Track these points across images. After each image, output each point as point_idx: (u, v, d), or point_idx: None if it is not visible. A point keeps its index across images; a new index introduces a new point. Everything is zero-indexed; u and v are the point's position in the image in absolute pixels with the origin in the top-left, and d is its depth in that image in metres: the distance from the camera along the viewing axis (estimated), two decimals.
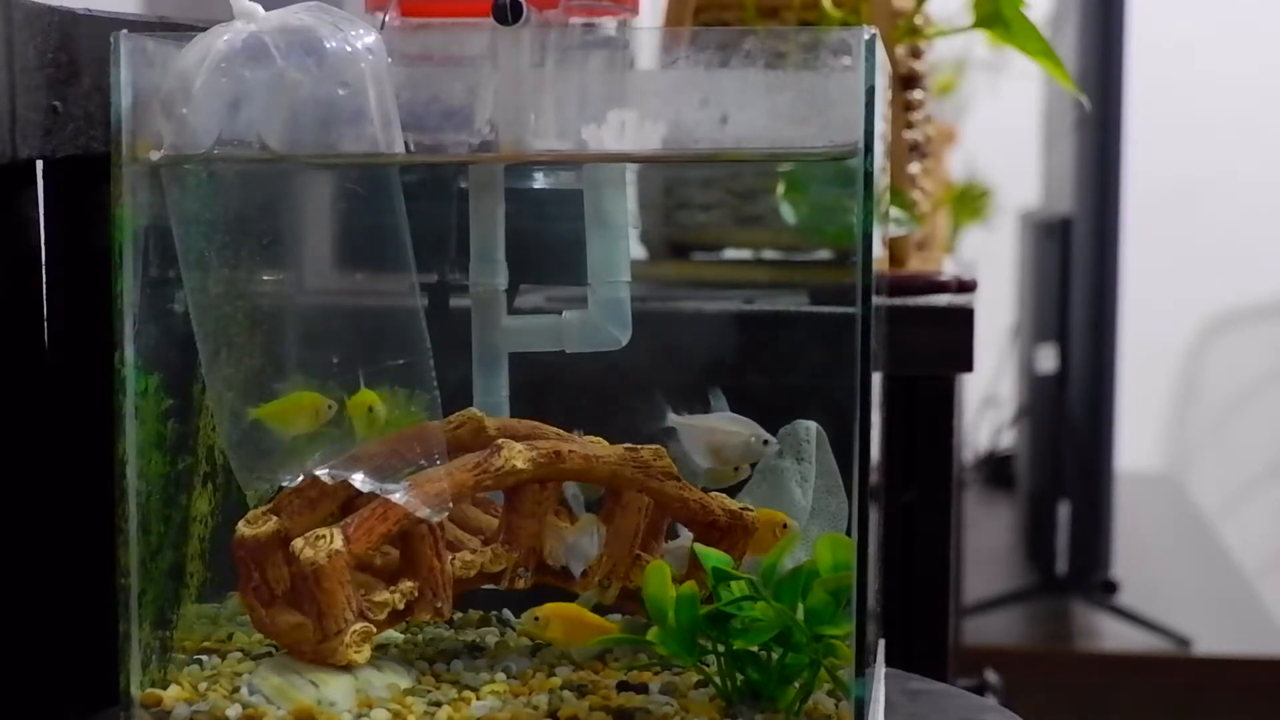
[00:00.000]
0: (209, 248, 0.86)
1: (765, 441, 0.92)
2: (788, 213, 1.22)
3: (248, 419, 0.86)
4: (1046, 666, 2.29)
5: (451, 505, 0.86)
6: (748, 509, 0.91)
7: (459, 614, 0.96)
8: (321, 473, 0.85)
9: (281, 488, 0.87)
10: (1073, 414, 2.41)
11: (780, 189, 1.23)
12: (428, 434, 0.87)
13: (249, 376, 0.86)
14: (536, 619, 0.87)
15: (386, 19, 0.87)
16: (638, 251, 1.31)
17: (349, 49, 0.82)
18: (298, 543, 0.84)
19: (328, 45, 0.82)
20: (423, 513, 0.84)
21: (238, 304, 0.87)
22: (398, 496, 0.84)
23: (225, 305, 0.87)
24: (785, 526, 0.90)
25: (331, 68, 0.82)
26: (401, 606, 0.86)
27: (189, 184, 0.85)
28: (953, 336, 1.24)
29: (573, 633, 0.87)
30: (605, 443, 0.91)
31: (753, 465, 0.93)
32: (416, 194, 0.88)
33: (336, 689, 0.84)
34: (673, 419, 0.92)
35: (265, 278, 0.88)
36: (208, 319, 0.86)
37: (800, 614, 0.83)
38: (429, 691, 0.86)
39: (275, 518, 0.86)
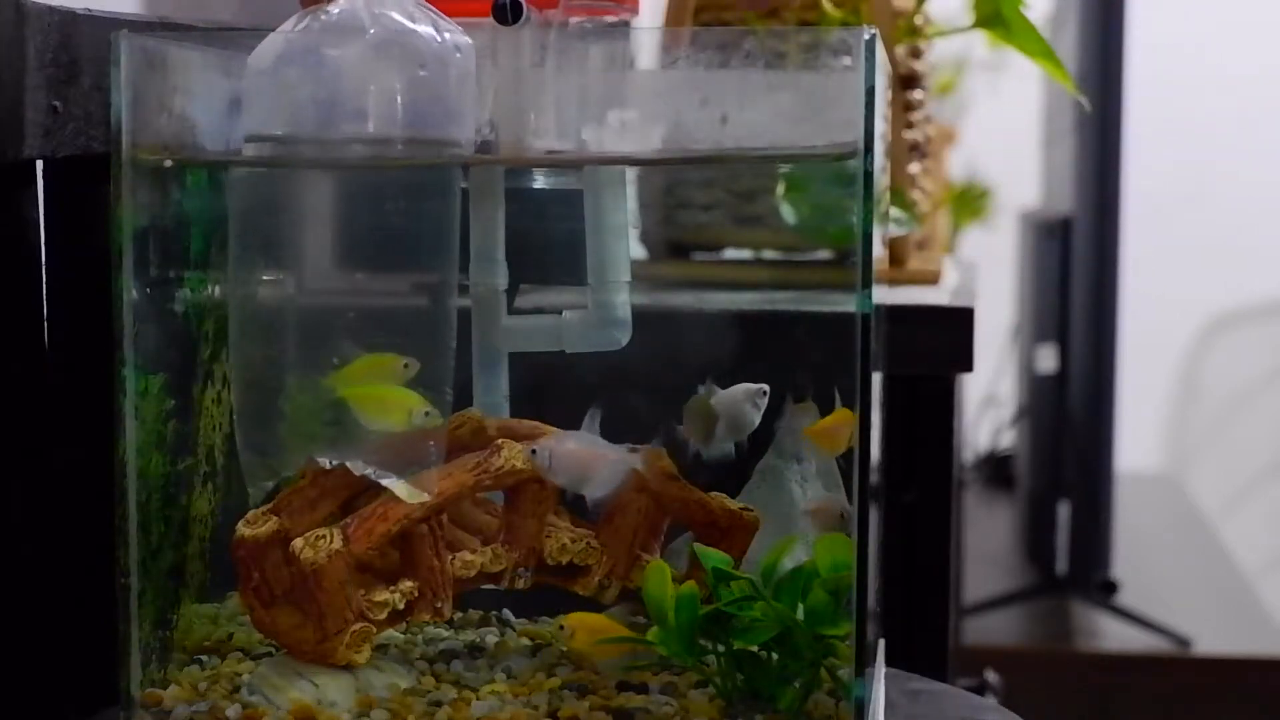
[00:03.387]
0: (261, 244, 0.86)
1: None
2: (788, 213, 1.22)
3: (273, 412, 0.86)
4: (1046, 666, 2.28)
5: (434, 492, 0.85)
6: (747, 509, 0.91)
7: (459, 614, 0.96)
8: (323, 460, 0.85)
9: (278, 488, 0.87)
10: (1073, 414, 2.41)
11: (780, 189, 1.23)
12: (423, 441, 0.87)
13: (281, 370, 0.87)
14: (562, 628, 0.87)
15: None
16: (638, 251, 1.31)
17: (441, 39, 0.82)
18: (298, 543, 0.84)
19: (421, 32, 0.82)
20: (410, 498, 0.84)
21: (278, 300, 0.87)
22: (388, 482, 0.84)
23: (267, 301, 0.87)
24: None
25: (424, 53, 0.82)
26: (401, 606, 0.86)
27: (244, 181, 0.85)
28: (953, 336, 1.24)
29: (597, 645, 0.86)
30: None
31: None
32: (417, 194, 0.88)
33: (336, 689, 0.84)
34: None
35: (307, 275, 0.89)
36: (248, 313, 0.86)
37: (800, 614, 0.83)
38: (429, 691, 0.86)
39: (275, 518, 0.86)
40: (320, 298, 0.90)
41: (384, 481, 0.84)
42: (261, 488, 0.88)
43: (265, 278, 0.88)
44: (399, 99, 0.82)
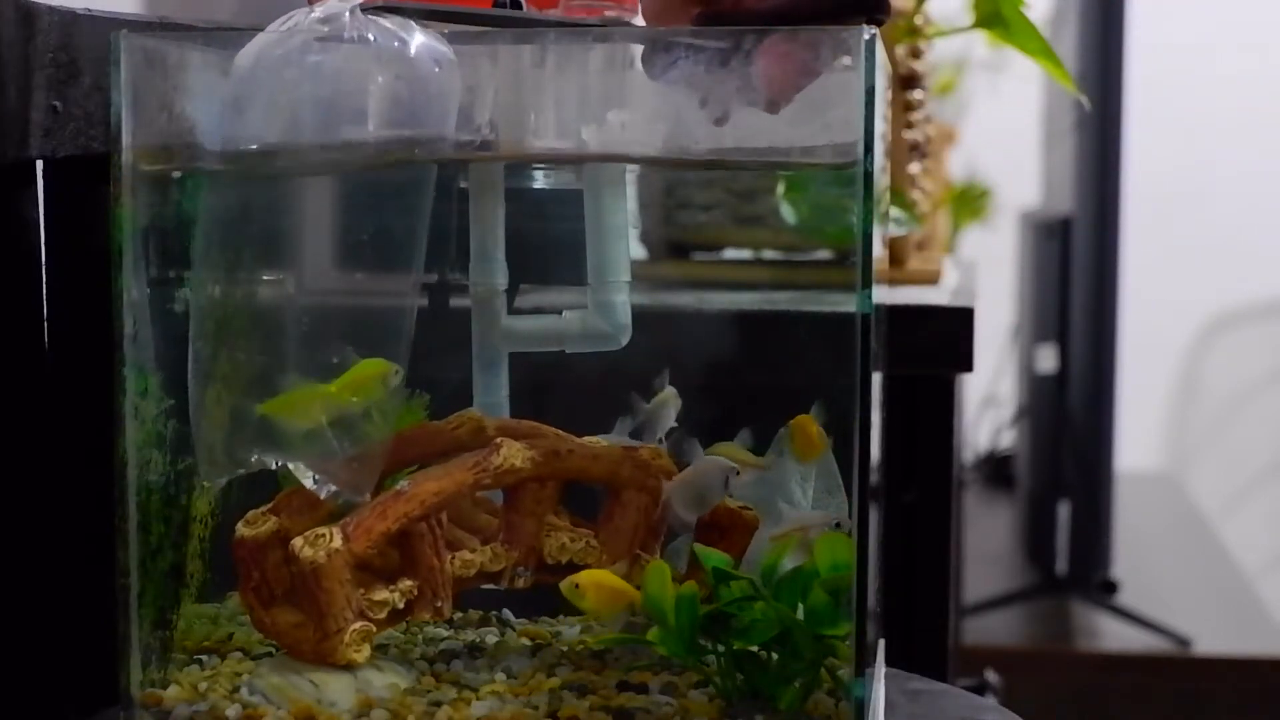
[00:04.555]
0: (222, 247, 0.86)
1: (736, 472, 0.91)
2: (788, 213, 1.22)
3: (243, 412, 0.86)
4: (1046, 666, 2.29)
5: (367, 495, 0.85)
6: (747, 508, 0.91)
7: (459, 614, 0.96)
8: (267, 459, 0.85)
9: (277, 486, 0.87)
10: (1073, 414, 2.42)
11: (780, 189, 1.23)
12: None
13: (253, 371, 0.87)
14: (576, 586, 0.86)
15: None
16: (638, 251, 1.31)
17: (414, 48, 0.82)
18: (297, 542, 0.84)
19: (404, 42, 0.82)
20: (325, 491, 0.84)
21: (245, 302, 0.87)
22: (322, 488, 0.84)
23: (231, 303, 0.87)
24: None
25: (409, 60, 0.81)
26: (401, 606, 0.86)
27: (215, 183, 0.85)
28: (953, 336, 1.25)
29: (608, 603, 0.86)
30: (605, 442, 0.91)
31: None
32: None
33: (336, 689, 0.84)
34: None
35: (270, 276, 0.88)
36: (211, 316, 0.86)
37: (800, 614, 0.83)
38: (429, 691, 0.86)
39: (275, 518, 0.86)
40: (277, 297, 0.90)
41: (320, 489, 0.84)
42: (218, 482, 0.88)
43: (226, 278, 0.87)
44: (373, 104, 0.82)
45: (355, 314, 0.88)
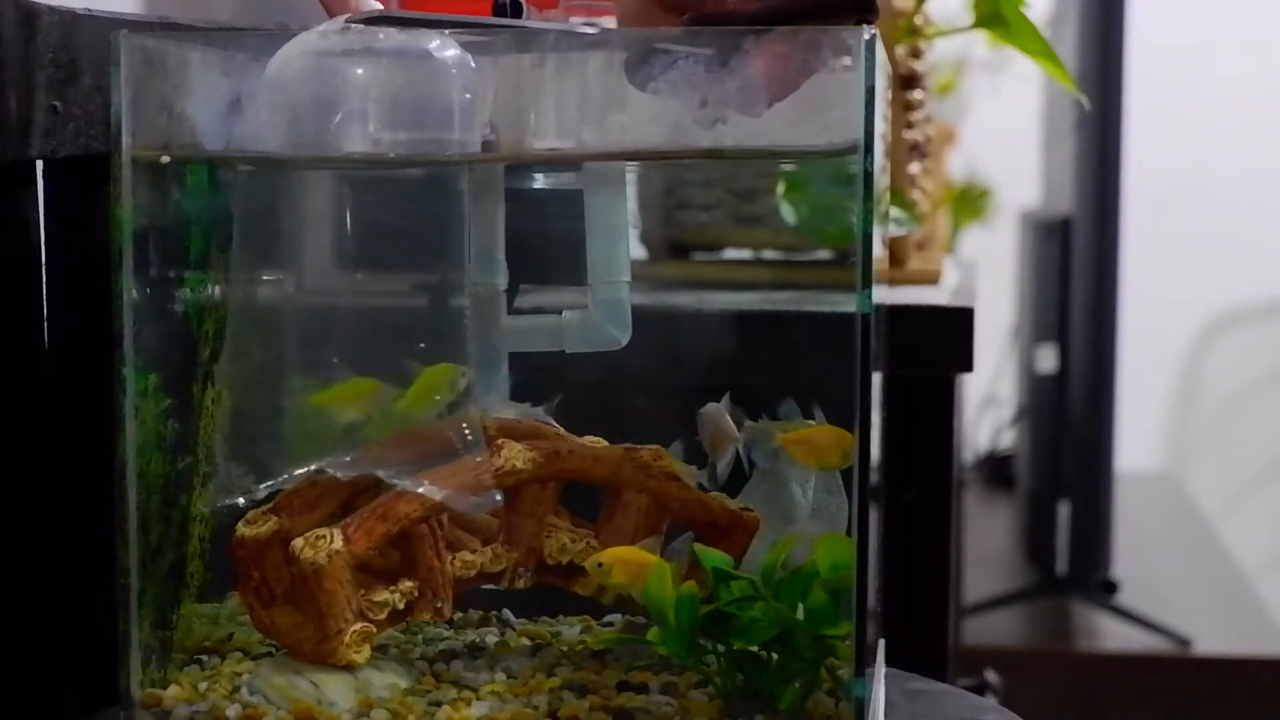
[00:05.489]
0: (261, 247, 0.86)
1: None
2: (788, 213, 1.22)
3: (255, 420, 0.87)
4: (1046, 666, 2.29)
5: (499, 497, 0.86)
6: (747, 508, 0.91)
7: (459, 614, 0.96)
8: (333, 470, 0.86)
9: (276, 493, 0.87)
10: (1073, 414, 2.42)
11: (780, 189, 1.23)
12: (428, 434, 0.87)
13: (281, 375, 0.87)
14: (600, 565, 0.86)
15: None
16: (638, 251, 1.31)
17: (438, 54, 0.82)
18: (298, 543, 0.84)
19: (424, 48, 0.82)
20: (461, 505, 0.85)
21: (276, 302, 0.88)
22: (424, 490, 0.84)
23: (266, 303, 0.87)
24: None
25: (428, 69, 0.82)
26: (401, 606, 0.86)
27: (247, 184, 0.86)
28: (953, 336, 1.25)
29: (635, 577, 0.86)
30: (605, 442, 0.91)
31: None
32: (416, 194, 0.88)
33: (336, 689, 0.84)
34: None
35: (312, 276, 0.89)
36: (244, 317, 0.87)
37: (800, 614, 0.83)
38: (429, 691, 0.86)
39: (275, 518, 0.86)
40: (324, 311, 0.91)
41: (421, 490, 0.85)
42: (231, 504, 0.88)
43: (265, 285, 0.88)
44: (397, 112, 0.82)
45: (417, 318, 0.89)
